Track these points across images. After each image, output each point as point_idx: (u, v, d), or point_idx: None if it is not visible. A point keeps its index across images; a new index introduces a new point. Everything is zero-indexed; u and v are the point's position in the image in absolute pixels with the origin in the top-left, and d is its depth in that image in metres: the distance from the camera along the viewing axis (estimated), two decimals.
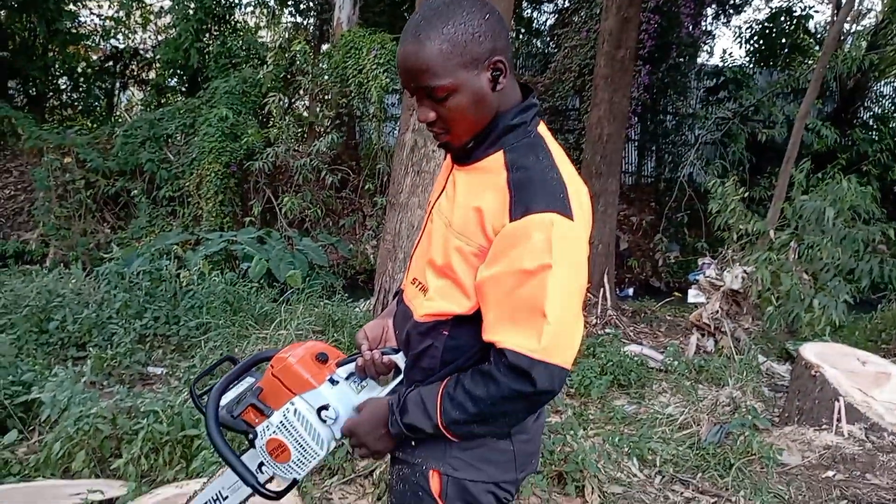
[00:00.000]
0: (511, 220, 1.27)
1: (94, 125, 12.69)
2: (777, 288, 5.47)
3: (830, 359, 4.28)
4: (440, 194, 1.50)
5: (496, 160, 1.36)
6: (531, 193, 1.28)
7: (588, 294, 6.97)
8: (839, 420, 3.89)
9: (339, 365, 1.51)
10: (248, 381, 1.59)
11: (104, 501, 2.50)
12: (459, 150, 1.42)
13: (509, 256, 1.27)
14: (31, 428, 3.49)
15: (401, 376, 1.49)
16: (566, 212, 1.27)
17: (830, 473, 3.58)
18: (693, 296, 6.31)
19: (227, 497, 1.69)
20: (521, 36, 13.26)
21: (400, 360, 1.49)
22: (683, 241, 10.90)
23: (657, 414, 4.37)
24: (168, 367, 4.66)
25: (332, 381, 1.49)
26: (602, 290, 6.98)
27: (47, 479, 2.94)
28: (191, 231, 8.58)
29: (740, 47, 18.72)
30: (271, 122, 9.56)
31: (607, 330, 6.32)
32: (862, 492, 3.41)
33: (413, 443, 1.44)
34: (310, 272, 7.79)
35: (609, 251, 7.47)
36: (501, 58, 1.32)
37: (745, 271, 5.69)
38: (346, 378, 1.50)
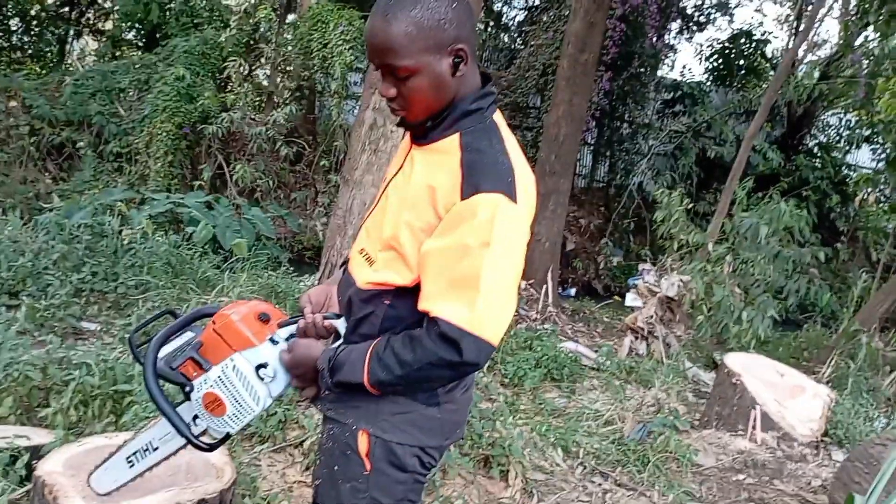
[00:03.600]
0: (461, 199, 1.34)
1: (44, 71, 12.22)
2: (709, 299, 5.69)
3: (752, 369, 4.48)
4: (397, 172, 1.55)
5: (452, 142, 1.42)
6: (481, 174, 1.35)
7: (531, 289, 7.09)
8: (754, 427, 4.09)
9: (280, 326, 1.55)
10: (188, 335, 1.61)
11: (30, 447, 2.47)
12: (416, 127, 1.47)
13: (455, 232, 1.33)
14: None
15: (340, 341, 1.54)
16: (511, 195, 1.35)
17: (741, 476, 3.77)
18: (630, 299, 6.49)
19: (157, 448, 1.71)
20: (489, 29, 13.28)
21: (341, 325, 1.53)
22: (628, 247, 11.14)
23: (585, 409, 4.51)
24: (103, 324, 4.58)
25: (273, 341, 1.52)
26: (545, 287, 7.10)
27: None
28: (136, 189, 8.37)
29: (700, 64, 19.16)
30: (229, 87, 9.38)
31: (546, 326, 6.45)
32: (768, 496, 3.60)
33: (344, 401, 1.49)
34: (256, 242, 7.70)
35: (555, 250, 7.61)
36: (464, 46, 1.38)
37: (681, 280, 5.89)
38: (287, 339, 1.54)
